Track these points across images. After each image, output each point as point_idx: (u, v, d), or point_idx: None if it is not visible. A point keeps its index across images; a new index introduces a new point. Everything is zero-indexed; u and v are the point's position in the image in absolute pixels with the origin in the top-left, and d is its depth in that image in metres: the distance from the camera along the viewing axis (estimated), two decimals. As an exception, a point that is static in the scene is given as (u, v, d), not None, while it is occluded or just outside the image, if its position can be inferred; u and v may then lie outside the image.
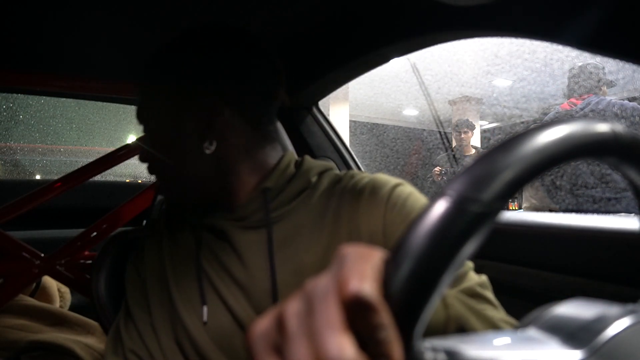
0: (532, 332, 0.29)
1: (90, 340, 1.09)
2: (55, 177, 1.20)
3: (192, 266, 0.67)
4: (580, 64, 2.46)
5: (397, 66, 6.92)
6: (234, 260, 0.64)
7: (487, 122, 10.05)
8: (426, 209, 0.25)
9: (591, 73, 2.37)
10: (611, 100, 2.32)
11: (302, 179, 0.67)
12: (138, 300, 0.69)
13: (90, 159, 1.24)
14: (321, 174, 0.69)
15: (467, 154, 4.05)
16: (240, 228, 0.65)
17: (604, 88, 2.38)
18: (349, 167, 1.38)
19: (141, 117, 0.70)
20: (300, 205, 0.66)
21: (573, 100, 2.37)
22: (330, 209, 0.64)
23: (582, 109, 2.31)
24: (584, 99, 2.34)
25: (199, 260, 0.66)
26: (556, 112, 2.44)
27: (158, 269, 0.70)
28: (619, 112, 2.25)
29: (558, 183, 2.26)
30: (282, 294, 0.61)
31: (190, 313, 0.64)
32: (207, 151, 0.63)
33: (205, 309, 0.63)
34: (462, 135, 4.04)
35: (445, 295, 0.41)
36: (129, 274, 0.73)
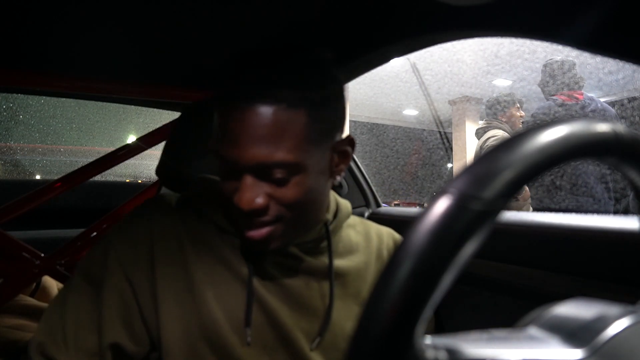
0: (533, 331, 0.29)
1: (90, 340, 1.09)
2: (55, 177, 1.20)
3: (239, 283, 0.63)
4: (558, 58, 2.47)
5: (397, 66, 6.93)
6: (293, 281, 0.66)
7: (487, 122, 10.04)
8: (428, 207, 0.25)
9: (569, 69, 2.39)
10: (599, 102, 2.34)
11: (343, 215, 0.72)
12: (130, 327, 0.61)
13: (90, 159, 1.24)
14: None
15: None
16: (303, 252, 0.66)
17: (580, 83, 2.40)
18: (349, 168, 1.38)
19: (290, 164, 0.55)
20: (343, 237, 0.72)
21: (573, 93, 2.36)
22: (371, 250, 0.74)
23: (583, 107, 2.30)
24: (580, 95, 2.34)
25: (251, 278, 0.63)
26: (561, 104, 2.37)
27: (183, 289, 0.62)
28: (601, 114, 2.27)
29: (558, 183, 2.26)
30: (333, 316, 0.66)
31: (232, 329, 0.62)
32: (336, 182, 0.64)
33: (248, 331, 0.61)
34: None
35: None
36: (115, 286, 0.61)
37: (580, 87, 2.37)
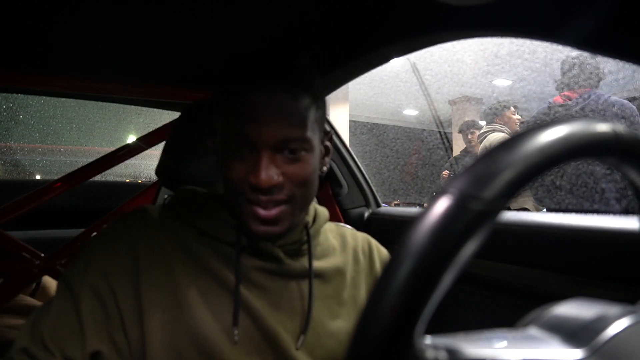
0: (533, 331, 0.29)
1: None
2: (55, 177, 1.20)
3: (224, 287, 0.65)
4: (574, 54, 2.46)
5: (397, 66, 6.92)
6: (275, 284, 0.68)
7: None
8: (428, 207, 0.25)
9: (589, 65, 2.37)
10: (610, 97, 2.30)
11: (321, 219, 0.76)
12: (112, 336, 0.61)
13: (90, 159, 1.24)
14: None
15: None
16: (285, 254, 0.69)
17: (600, 82, 2.39)
18: (349, 168, 1.38)
19: (299, 150, 0.63)
20: (321, 241, 0.76)
21: (567, 93, 2.35)
22: (348, 252, 0.78)
23: (578, 104, 2.29)
24: (579, 93, 2.33)
25: (238, 279, 0.65)
26: (550, 106, 2.38)
27: (169, 295, 0.63)
28: (619, 111, 2.24)
29: (558, 183, 2.26)
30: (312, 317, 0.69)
31: (219, 332, 0.62)
32: (321, 172, 0.69)
33: (235, 330, 0.63)
34: (470, 137, 4.13)
35: None
36: (98, 295, 0.61)
37: (579, 87, 2.36)
